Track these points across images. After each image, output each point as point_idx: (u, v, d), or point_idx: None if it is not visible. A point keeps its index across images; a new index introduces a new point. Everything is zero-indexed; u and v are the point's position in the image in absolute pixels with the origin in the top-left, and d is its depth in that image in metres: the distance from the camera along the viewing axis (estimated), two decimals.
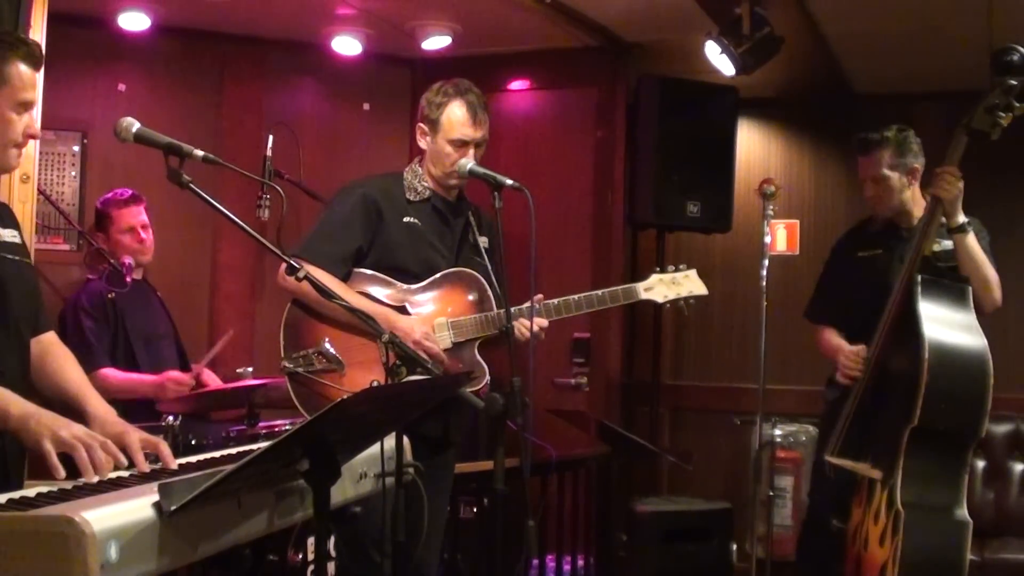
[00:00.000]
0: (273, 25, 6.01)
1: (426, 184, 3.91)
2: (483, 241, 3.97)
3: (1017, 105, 4.00)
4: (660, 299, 4.00)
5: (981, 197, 4.52)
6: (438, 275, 3.85)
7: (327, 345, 3.70)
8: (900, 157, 4.50)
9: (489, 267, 3.90)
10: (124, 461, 2.47)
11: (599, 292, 3.93)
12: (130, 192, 4.98)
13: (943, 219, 4.22)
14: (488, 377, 3.78)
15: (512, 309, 3.68)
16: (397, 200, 3.87)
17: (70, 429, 2.44)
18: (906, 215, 4.54)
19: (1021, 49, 4.02)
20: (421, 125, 3.91)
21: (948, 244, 4.33)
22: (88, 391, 2.86)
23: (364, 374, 3.64)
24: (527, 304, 3.73)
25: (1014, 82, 4.00)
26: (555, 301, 3.86)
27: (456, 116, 3.84)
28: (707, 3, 5.39)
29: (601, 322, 6.31)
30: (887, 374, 4.18)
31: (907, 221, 4.54)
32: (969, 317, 4.08)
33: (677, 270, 4.03)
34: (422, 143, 3.92)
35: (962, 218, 4.22)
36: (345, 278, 3.77)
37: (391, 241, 3.82)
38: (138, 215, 4.93)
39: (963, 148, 4.13)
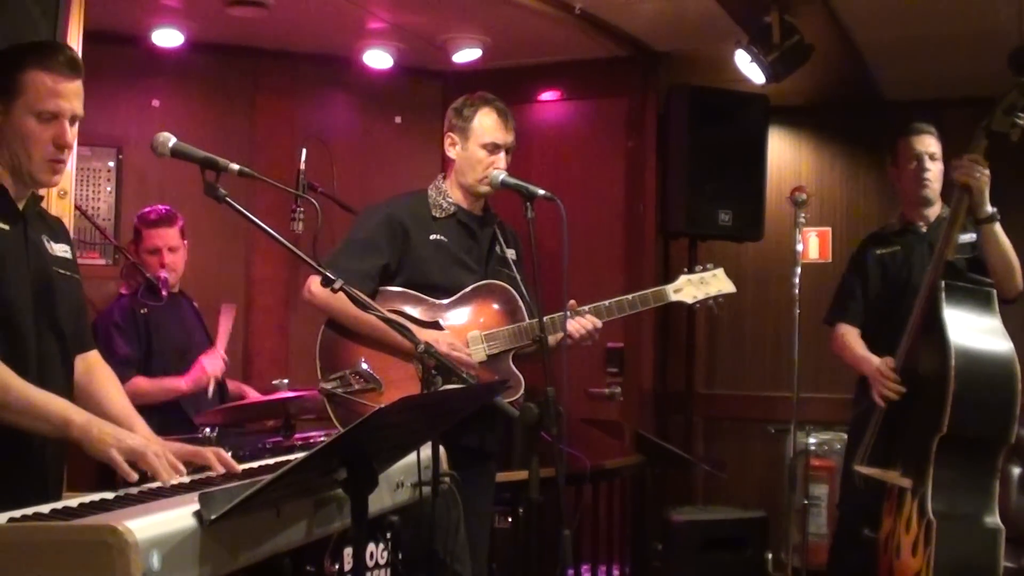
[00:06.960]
0: (305, 40, 6.06)
1: (451, 200, 3.93)
2: (510, 253, 3.97)
3: None
4: (690, 300, 3.98)
5: (1014, 199, 4.50)
6: (468, 289, 3.86)
7: (364, 365, 3.68)
8: (941, 148, 4.49)
9: (518, 278, 3.92)
10: (183, 469, 2.54)
11: (629, 296, 3.92)
12: (164, 211, 4.92)
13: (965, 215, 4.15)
14: (523, 388, 3.77)
15: (545, 319, 3.69)
16: (422, 218, 3.89)
17: (134, 438, 2.49)
18: (930, 212, 4.53)
19: None
20: (451, 135, 3.94)
21: (966, 238, 4.28)
22: (134, 417, 2.89)
23: (402, 393, 3.58)
24: (559, 313, 3.73)
25: None
26: (586, 307, 3.85)
27: (488, 121, 3.90)
28: (736, 12, 5.39)
29: (634, 331, 6.31)
30: (914, 381, 4.14)
31: (926, 219, 4.53)
32: (995, 321, 4.04)
33: (705, 269, 4.01)
34: (451, 152, 3.94)
35: (990, 208, 4.12)
36: (372, 295, 3.75)
37: (419, 258, 3.83)
38: (166, 236, 4.85)
39: (983, 150, 4.05)
